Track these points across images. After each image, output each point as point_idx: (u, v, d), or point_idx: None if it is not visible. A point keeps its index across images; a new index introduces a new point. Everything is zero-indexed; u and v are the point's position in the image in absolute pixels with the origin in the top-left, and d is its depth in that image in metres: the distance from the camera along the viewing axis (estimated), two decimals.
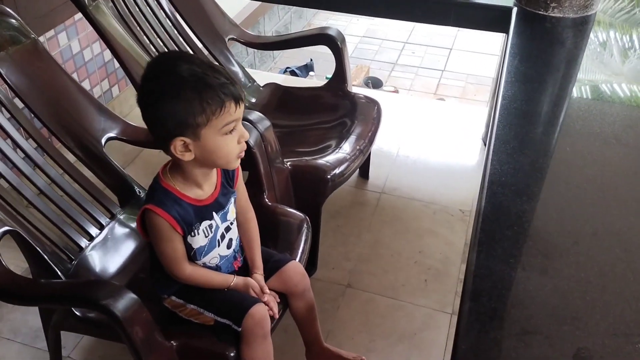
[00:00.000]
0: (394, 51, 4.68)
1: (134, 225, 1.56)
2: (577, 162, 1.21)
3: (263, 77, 2.54)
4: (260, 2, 3.32)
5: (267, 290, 1.30)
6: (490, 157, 1.16)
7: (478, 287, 0.89)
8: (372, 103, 2.07)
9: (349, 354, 1.53)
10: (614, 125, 1.33)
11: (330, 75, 2.18)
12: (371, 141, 1.94)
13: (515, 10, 1.84)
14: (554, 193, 1.12)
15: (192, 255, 1.23)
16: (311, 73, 4.15)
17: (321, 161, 1.77)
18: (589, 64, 1.65)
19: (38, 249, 1.30)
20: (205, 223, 1.22)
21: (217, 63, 2.03)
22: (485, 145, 2.52)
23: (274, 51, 4.32)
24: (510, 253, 0.95)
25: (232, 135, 1.12)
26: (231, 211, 1.28)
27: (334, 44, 2.04)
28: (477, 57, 4.53)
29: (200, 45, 2.10)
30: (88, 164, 1.55)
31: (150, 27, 1.93)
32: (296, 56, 4.24)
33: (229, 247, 1.30)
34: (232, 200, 1.28)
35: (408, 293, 1.86)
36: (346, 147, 1.86)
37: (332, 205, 2.16)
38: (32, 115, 1.52)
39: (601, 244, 0.99)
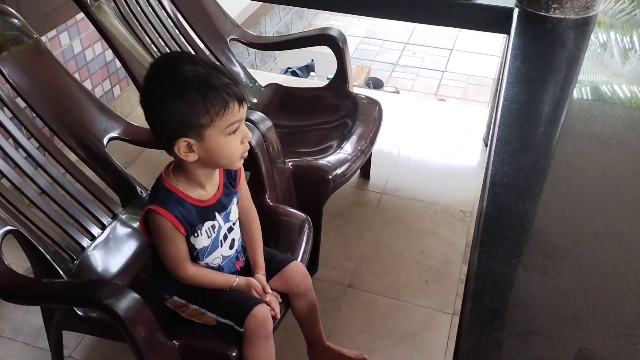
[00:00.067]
0: (394, 52, 4.68)
1: (135, 225, 1.57)
2: (578, 162, 1.21)
3: (264, 77, 2.55)
4: (261, 3, 3.32)
5: (269, 290, 1.30)
6: (491, 157, 1.16)
7: (480, 288, 0.89)
8: (374, 103, 2.07)
9: (350, 352, 1.54)
10: (615, 126, 1.33)
11: (331, 76, 2.18)
12: (372, 142, 1.95)
13: (516, 11, 1.84)
14: (555, 194, 1.12)
15: (195, 255, 1.23)
16: (312, 73, 4.15)
17: (323, 161, 1.78)
18: (589, 65, 1.65)
19: (40, 248, 1.30)
20: (208, 223, 1.22)
21: (218, 63, 2.03)
22: (486, 145, 2.52)
23: (275, 52, 4.33)
24: (512, 254, 0.96)
25: (235, 135, 1.13)
26: (234, 212, 1.28)
27: (336, 44, 2.04)
28: (478, 58, 4.53)
29: (201, 45, 2.11)
30: (90, 163, 1.56)
31: (152, 27, 1.94)
32: (297, 57, 4.24)
33: (231, 247, 1.30)
34: (235, 200, 1.28)
35: (409, 293, 1.87)
36: (347, 148, 1.86)
37: (334, 206, 2.16)
38: (34, 115, 1.52)
39: (602, 244, 0.99)
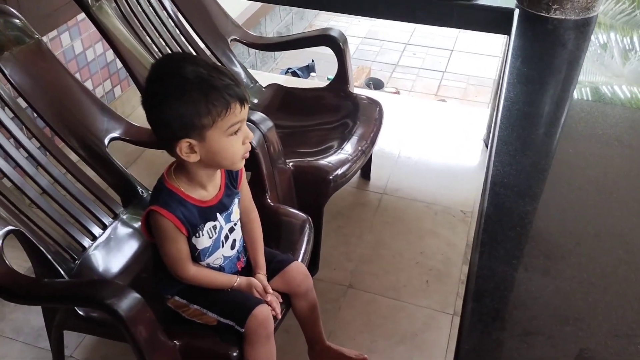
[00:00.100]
0: (395, 52, 4.69)
1: (136, 225, 1.57)
2: (579, 163, 1.21)
3: (265, 77, 2.55)
4: (261, 3, 3.32)
5: (270, 290, 1.30)
6: (492, 158, 1.16)
7: (480, 288, 0.89)
8: (374, 104, 2.08)
9: (351, 351, 1.54)
10: (616, 127, 1.33)
11: (331, 76, 2.18)
12: (373, 142, 1.95)
13: (517, 12, 1.84)
14: (556, 194, 1.12)
15: (197, 256, 1.24)
16: (313, 74, 4.15)
17: (323, 162, 1.78)
18: (590, 66, 1.66)
19: (41, 248, 1.30)
20: (210, 224, 1.22)
21: (219, 64, 2.03)
22: (486, 146, 2.52)
23: (275, 52, 4.33)
24: (513, 254, 0.96)
25: (237, 136, 1.13)
26: (235, 212, 1.28)
27: (336, 45, 2.04)
28: (478, 59, 4.53)
29: (202, 46, 2.11)
30: (91, 163, 1.56)
31: (153, 28, 1.94)
32: (297, 57, 4.24)
33: (232, 247, 1.30)
34: (236, 201, 1.28)
35: (409, 294, 1.87)
36: (348, 148, 1.86)
37: (334, 206, 2.16)
38: (35, 115, 1.53)
39: (603, 245, 0.99)
